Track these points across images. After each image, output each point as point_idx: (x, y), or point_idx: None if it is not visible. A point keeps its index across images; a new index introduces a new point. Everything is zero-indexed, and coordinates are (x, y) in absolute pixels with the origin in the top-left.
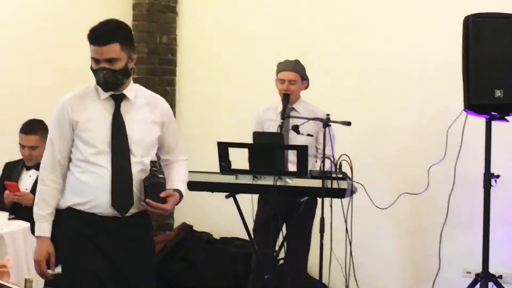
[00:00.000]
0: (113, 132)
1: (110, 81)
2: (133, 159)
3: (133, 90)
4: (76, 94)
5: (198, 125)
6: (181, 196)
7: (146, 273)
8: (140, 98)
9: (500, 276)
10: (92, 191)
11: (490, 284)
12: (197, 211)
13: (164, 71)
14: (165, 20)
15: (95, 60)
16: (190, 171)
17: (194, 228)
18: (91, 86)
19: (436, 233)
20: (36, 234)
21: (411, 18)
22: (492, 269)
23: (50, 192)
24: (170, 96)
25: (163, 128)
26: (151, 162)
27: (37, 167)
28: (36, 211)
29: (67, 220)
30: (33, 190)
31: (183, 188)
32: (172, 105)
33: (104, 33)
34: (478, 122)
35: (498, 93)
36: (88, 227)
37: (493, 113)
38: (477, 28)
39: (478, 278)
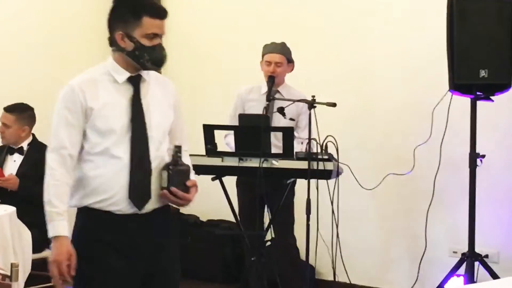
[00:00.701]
0: (132, 121)
1: (165, 60)
2: (152, 148)
3: (145, 71)
4: (86, 78)
5: (185, 107)
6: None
7: (171, 273)
8: (152, 80)
9: (486, 256)
10: (109, 187)
11: (476, 263)
12: None
13: None
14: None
15: (153, 35)
16: None
17: (181, 210)
18: (99, 69)
19: (422, 213)
20: (52, 234)
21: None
22: (478, 249)
23: (62, 187)
24: None
25: (174, 113)
26: (175, 147)
27: (20, 151)
28: (49, 209)
29: (82, 220)
30: (18, 174)
31: (196, 180)
32: None
33: (161, 5)
34: (463, 102)
35: (483, 73)
36: (105, 230)
37: (478, 93)
38: (461, 8)
39: (464, 257)
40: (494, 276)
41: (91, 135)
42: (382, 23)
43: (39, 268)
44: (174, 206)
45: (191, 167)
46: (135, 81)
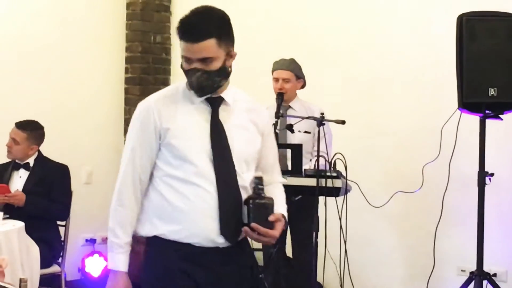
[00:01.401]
0: (214, 144)
1: (205, 85)
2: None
3: (231, 92)
4: (163, 95)
5: None
6: (286, 223)
7: None
8: (239, 103)
9: (495, 274)
10: (189, 217)
11: (485, 282)
12: None
13: (158, 70)
14: (159, 19)
15: (187, 59)
16: None
17: None
18: (180, 87)
19: (430, 231)
20: (110, 267)
21: (405, 17)
22: (486, 267)
23: (129, 215)
24: None
25: (263, 140)
26: (256, 178)
27: (26, 167)
28: (111, 238)
29: (156, 250)
30: (24, 190)
31: (286, 214)
32: None
33: (197, 27)
34: (472, 120)
35: (492, 91)
36: (183, 260)
37: (487, 111)
38: (471, 26)
39: (472, 276)
40: None
41: (168, 157)
42: (391, 41)
43: (47, 283)
44: None
45: (283, 199)
46: (214, 102)
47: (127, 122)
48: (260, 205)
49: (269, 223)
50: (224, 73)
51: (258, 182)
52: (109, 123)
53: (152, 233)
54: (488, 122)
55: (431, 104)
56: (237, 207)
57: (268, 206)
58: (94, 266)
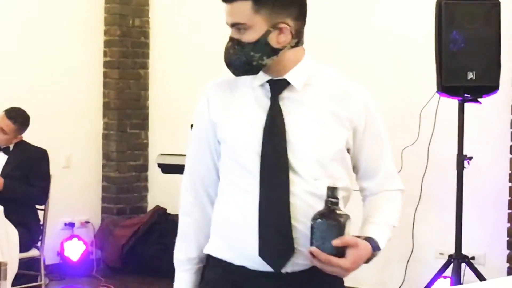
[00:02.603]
0: (265, 140)
1: (233, 59)
2: (298, 182)
3: (305, 73)
4: (225, 79)
5: (172, 108)
6: (375, 248)
7: None
8: (317, 87)
9: (473, 257)
10: (235, 232)
11: (463, 265)
12: (171, 194)
13: (137, 54)
14: (138, 3)
15: (229, 25)
16: (163, 154)
17: (168, 211)
18: None
19: (409, 214)
20: (174, 287)
21: (384, 1)
22: (465, 250)
23: (192, 224)
24: (143, 79)
25: (357, 137)
26: (328, 189)
27: (5, 150)
28: (175, 253)
29: (208, 273)
30: (2, 174)
31: (382, 236)
32: (145, 88)
33: None
34: (451, 104)
35: (470, 75)
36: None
37: (466, 95)
38: (450, 10)
39: (451, 259)
40: (481, 277)
41: (224, 156)
42: (370, 26)
43: (26, 267)
44: None
45: (395, 217)
46: (274, 86)
47: (105, 106)
48: (322, 224)
49: (338, 248)
50: (265, 48)
51: (331, 193)
52: (88, 107)
53: (206, 251)
54: (467, 105)
55: (410, 87)
56: (284, 221)
57: (332, 226)
58: (73, 250)
